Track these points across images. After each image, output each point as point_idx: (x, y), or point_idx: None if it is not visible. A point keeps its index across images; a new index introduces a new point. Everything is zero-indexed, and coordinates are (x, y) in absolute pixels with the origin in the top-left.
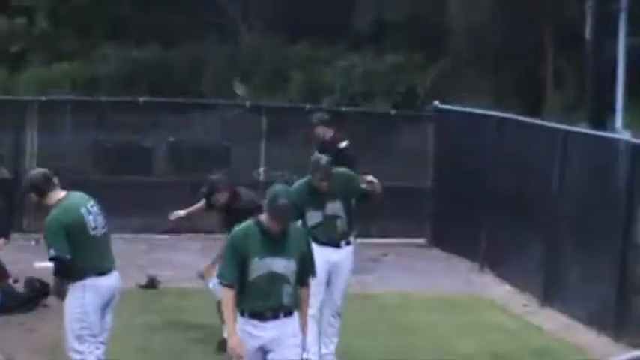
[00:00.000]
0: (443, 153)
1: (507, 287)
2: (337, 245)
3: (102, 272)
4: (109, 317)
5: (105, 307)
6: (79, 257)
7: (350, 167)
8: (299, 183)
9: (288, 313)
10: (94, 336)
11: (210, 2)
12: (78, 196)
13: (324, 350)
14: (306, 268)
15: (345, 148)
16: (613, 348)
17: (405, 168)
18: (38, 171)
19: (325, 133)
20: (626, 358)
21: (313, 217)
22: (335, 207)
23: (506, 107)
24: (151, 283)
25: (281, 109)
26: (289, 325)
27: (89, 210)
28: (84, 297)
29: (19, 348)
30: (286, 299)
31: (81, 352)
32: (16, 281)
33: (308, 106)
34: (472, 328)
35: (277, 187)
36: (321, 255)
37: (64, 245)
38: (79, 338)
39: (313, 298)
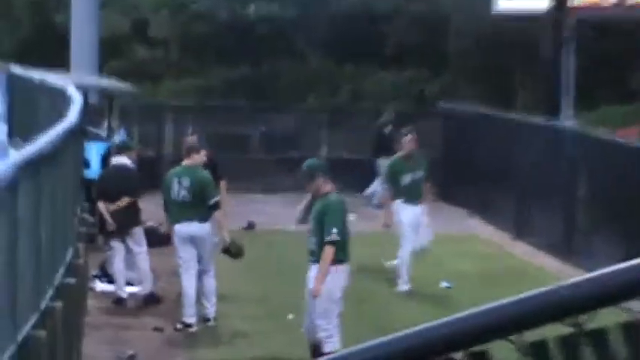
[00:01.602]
0: (447, 137)
1: (489, 227)
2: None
3: None
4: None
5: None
6: None
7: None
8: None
9: (314, 261)
10: None
11: (285, 36)
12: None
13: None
14: (321, 231)
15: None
16: (563, 267)
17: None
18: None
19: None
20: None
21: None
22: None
23: (488, 106)
24: (251, 226)
25: (336, 110)
26: (312, 271)
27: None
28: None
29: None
30: (311, 247)
31: None
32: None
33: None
34: (466, 254)
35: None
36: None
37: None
38: None
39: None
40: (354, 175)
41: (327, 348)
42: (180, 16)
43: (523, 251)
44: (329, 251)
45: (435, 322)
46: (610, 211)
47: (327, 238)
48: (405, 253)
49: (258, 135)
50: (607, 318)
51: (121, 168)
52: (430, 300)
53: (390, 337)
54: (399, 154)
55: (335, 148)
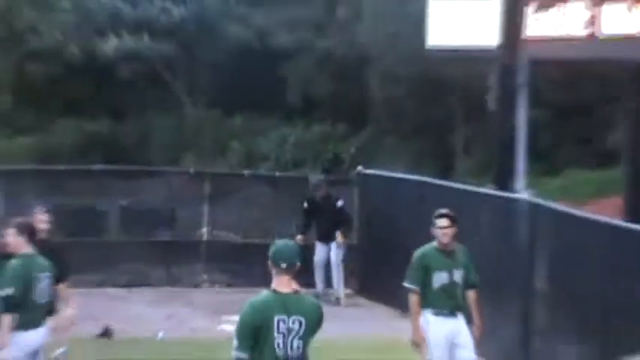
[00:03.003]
0: (366, 213)
1: None
2: None
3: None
4: None
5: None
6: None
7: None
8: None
9: None
10: None
11: (157, 79)
12: (39, 261)
13: None
14: None
15: (342, 207)
16: None
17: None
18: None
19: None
20: None
21: None
22: None
23: (421, 171)
24: (106, 333)
25: (222, 175)
26: None
27: (39, 278)
28: None
29: None
30: None
31: None
32: None
33: (246, 172)
34: None
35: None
36: None
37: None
38: None
39: None
40: (250, 265)
41: None
42: (13, 54)
43: None
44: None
45: None
46: (571, 307)
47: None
48: None
49: (118, 210)
50: None
51: None
52: None
53: None
54: (433, 243)
55: (219, 226)
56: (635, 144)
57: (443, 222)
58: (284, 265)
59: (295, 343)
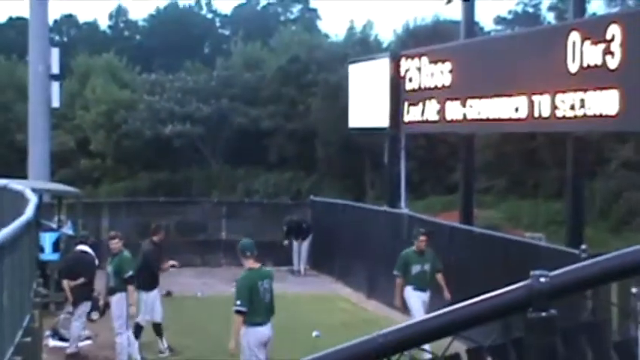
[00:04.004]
0: (316, 224)
1: (348, 289)
2: None
3: None
4: None
5: None
6: None
7: (308, 233)
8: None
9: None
10: None
11: (195, 148)
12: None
13: None
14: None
15: (307, 228)
16: (403, 317)
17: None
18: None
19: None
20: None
21: None
22: None
23: (346, 198)
24: (168, 294)
25: (232, 202)
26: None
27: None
28: None
29: None
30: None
31: None
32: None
33: (246, 200)
34: (331, 310)
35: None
36: None
37: None
38: None
39: None
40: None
41: None
42: (113, 134)
43: (374, 307)
44: (236, 318)
45: None
46: None
47: (234, 308)
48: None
49: (174, 223)
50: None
51: (82, 254)
52: (307, 344)
53: None
54: (413, 248)
55: (231, 233)
56: (466, 179)
57: (422, 237)
58: (249, 254)
59: (268, 295)
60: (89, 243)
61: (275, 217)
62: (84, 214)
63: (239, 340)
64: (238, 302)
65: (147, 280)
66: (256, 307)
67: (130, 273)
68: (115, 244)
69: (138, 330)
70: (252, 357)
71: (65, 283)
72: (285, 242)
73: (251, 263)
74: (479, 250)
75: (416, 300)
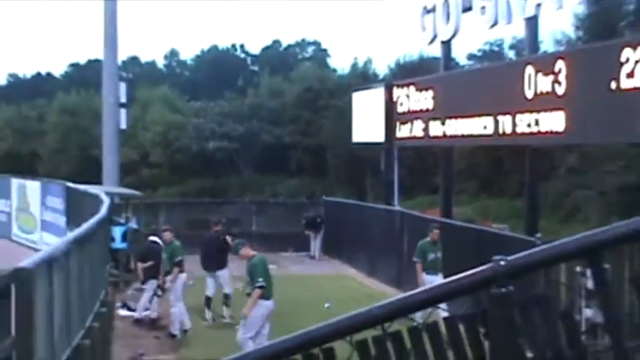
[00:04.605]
0: (328, 219)
1: (353, 270)
2: None
3: None
4: None
5: None
6: None
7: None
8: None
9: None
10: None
11: (232, 159)
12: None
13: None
14: (252, 281)
15: (320, 221)
16: (397, 292)
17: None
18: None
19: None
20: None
21: None
22: None
23: (351, 198)
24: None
25: (261, 202)
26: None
27: None
28: None
29: None
30: (248, 291)
31: None
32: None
33: (272, 200)
34: (340, 286)
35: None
36: None
37: None
38: None
39: None
40: (273, 242)
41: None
42: (168, 149)
43: (373, 284)
44: (257, 292)
45: (304, 330)
46: None
47: (256, 285)
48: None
49: (218, 219)
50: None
51: (152, 243)
52: (320, 314)
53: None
54: (427, 239)
55: (260, 226)
56: (446, 183)
57: (436, 230)
58: (243, 246)
59: (272, 274)
60: (156, 234)
61: (295, 213)
62: (145, 212)
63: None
64: (260, 279)
65: (218, 261)
66: (268, 284)
67: (180, 258)
68: (167, 235)
69: (208, 301)
70: (257, 326)
71: (139, 265)
72: (306, 232)
73: (250, 250)
74: (456, 238)
75: (430, 283)
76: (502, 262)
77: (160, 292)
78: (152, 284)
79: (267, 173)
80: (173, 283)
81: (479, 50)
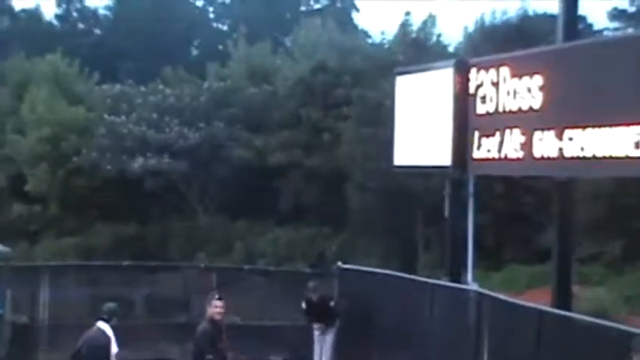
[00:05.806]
0: (346, 299)
1: None
2: None
3: None
4: None
5: None
6: None
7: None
8: None
9: None
10: None
11: (175, 191)
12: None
13: None
14: None
15: (333, 306)
16: None
17: None
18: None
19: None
20: None
21: None
22: None
23: (390, 265)
24: None
25: (226, 269)
26: None
27: None
28: None
29: None
30: None
31: None
32: None
33: (246, 266)
34: None
35: None
36: None
37: None
38: None
39: None
40: (250, 343)
41: None
42: (60, 170)
43: None
44: None
45: None
46: None
47: None
48: None
49: (142, 297)
50: None
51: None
52: None
53: None
54: None
55: (228, 314)
56: (562, 242)
57: None
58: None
59: None
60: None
61: (287, 290)
62: (16, 283)
63: None
64: None
65: None
66: None
67: None
68: None
69: None
70: None
71: None
72: (309, 324)
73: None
74: (578, 344)
75: None
76: None
77: None
78: None
79: (239, 217)
80: None
81: (632, 2)
